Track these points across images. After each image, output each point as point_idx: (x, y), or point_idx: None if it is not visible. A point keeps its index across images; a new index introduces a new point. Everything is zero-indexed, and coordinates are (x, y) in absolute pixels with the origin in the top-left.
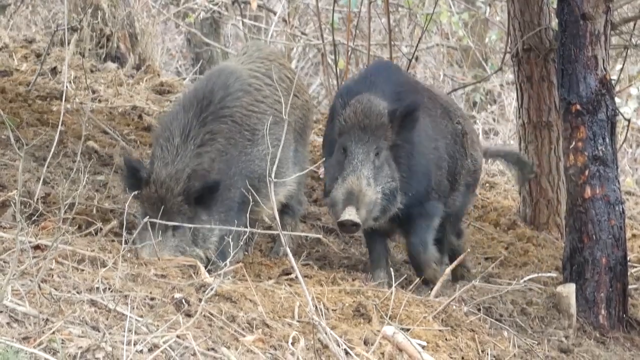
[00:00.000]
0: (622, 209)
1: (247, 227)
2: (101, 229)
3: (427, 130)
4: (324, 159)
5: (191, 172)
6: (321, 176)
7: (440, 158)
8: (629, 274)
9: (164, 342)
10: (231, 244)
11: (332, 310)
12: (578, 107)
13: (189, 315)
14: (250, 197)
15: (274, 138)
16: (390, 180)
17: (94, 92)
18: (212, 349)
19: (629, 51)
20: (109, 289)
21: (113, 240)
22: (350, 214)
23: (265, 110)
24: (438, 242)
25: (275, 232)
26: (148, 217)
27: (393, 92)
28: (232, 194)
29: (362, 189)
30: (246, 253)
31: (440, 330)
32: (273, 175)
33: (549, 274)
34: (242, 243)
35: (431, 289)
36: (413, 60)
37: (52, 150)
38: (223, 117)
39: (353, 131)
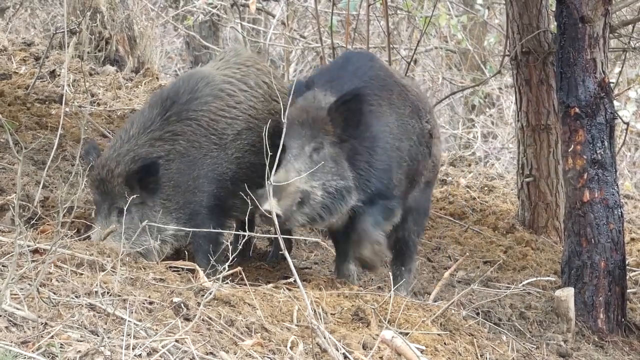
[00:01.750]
0: (621, 212)
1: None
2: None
3: (391, 127)
4: None
5: (134, 155)
6: None
7: (402, 158)
8: (627, 277)
9: (162, 347)
10: (203, 247)
11: (331, 314)
12: (577, 110)
13: (187, 319)
14: (225, 202)
15: (246, 143)
16: (336, 177)
17: (92, 95)
18: (211, 353)
19: (627, 54)
20: (108, 293)
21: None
22: (270, 205)
23: (238, 115)
24: (399, 240)
25: (273, 237)
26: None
27: (354, 88)
28: (197, 197)
29: (288, 179)
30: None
31: (438, 335)
32: (271, 179)
33: (547, 278)
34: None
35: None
36: (412, 63)
37: (52, 154)
38: (187, 119)
39: (292, 127)
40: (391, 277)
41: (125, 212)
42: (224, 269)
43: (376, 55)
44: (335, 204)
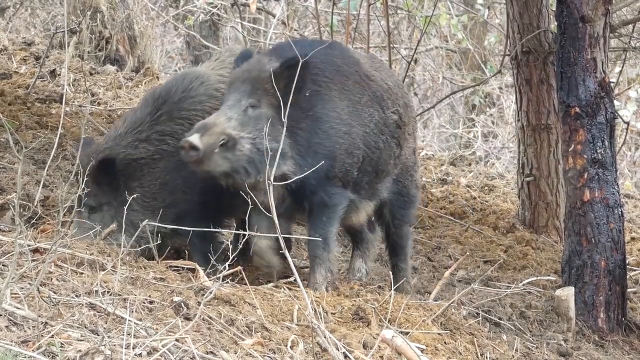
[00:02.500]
0: (621, 212)
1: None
2: (100, 232)
3: (339, 112)
4: None
5: (108, 153)
6: None
7: (353, 145)
8: (627, 277)
9: (162, 346)
10: (197, 246)
11: (331, 313)
12: (577, 109)
13: (188, 318)
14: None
15: None
16: (269, 138)
17: (93, 94)
18: (211, 352)
19: (628, 54)
20: (108, 292)
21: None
22: (191, 137)
23: None
24: (388, 236)
25: (274, 235)
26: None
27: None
28: (188, 196)
29: (215, 121)
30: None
31: (439, 334)
32: (272, 177)
33: (548, 277)
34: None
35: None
36: (412, 63)
37: (52, 153)
38: (179, 118)
39: (234, 85)
40: (391, 273)
41: (95, 209)
42: (224, 268)
43: (344, 46)
44: (263, 164)
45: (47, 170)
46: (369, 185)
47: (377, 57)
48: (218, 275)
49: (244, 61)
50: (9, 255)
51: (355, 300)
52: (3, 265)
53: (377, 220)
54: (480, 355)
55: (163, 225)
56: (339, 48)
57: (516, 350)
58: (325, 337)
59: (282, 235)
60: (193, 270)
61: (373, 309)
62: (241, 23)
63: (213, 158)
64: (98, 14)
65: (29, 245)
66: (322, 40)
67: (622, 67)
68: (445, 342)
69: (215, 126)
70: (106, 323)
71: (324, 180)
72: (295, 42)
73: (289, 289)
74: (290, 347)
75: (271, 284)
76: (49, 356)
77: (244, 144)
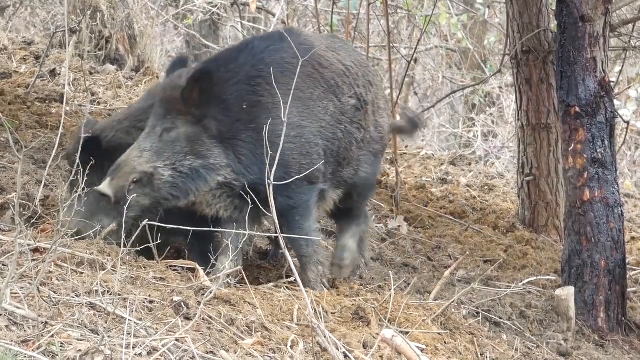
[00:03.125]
0: (621, 211)
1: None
2: (100, 231)
3: (288, 117)
4: None
5: (98, 133)
6: None
7: (308, 145)
8: (627, 276)
9: (163, 346)
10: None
11: (331, 313)
12: (577, 109)
13: (188, 318)
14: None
15: None
16: (191, 157)
17: (93, 94)
18: (211, 352)
19: (627, 53)
20: (108, 292)
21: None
22: (102, 185)
23: None
24: (349, 211)
25: (274, 235)
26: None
27: (245, 74)
28: None
29: (126, 160)
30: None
31: (439, 334)
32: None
33: (547, 277)
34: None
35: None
36: (412, 62)
37: (53, 153)
38: None
39: (155, 106)
40: (339, 230)
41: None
42: (224, 267)
43: (297, 33)
44: (190, 184)
45: (48, 170)
46: (333, 175)
47: (337, 37)
48: (218, 275)
49: (175, 70)
50: (9, 254)
51: (355, 300)
52: (3, 264)
53: (343, 200)
54: (480, 355)
55: (163, 225)
56: (290, 39)
57: (516, 350)
58: (325, 337)
59: (282, 235)
60: (193, 270)
61: (373, 309)
62: (241, 22)
63: (129, 198)
64: (98, 14)
65: (29, 245)
66: (274, 32)
67: (622, 66)
68: (445, 342)
69: (126, 166)
70: (106, 323)
71: (282, 186)
72: (244, 44)
73: (289, 288)
74: (290, 346)
75: (271, 284)
76: (49, 356)
77: (163, 173)
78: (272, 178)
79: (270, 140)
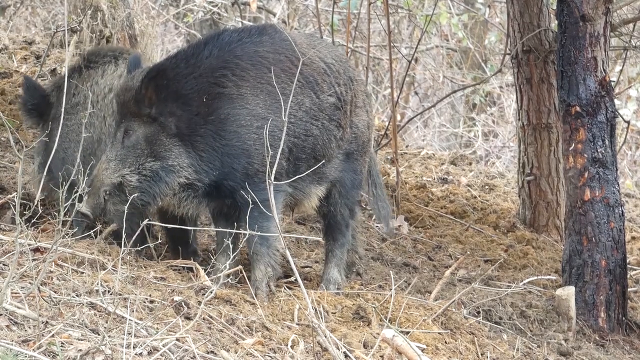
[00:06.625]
0: (622, 211)
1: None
2: (101, 231)
3: (251, 109)
4: None
5: None
6: None
7: (273, 138)
8: (628, 276)
9: (163, 345)
10: None
11: (332, 313)
12: (577, 109)
13: (188, 318)
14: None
15: None
16: (150, 159)
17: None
18: (212, 352)
19: (628, 53)
20: (109, 291)
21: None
22: (80, 206)
23: None
24: (332, 220)
25: (274, 235)
26: None
27: (207, 66)
28: None
29: (96, 175)
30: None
31: (439, 333)
32: (272, 178)
33: (548, 277)
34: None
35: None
36: (412, 62)
37: (52, 153)
38: None
39: (114, 115)
40: (325, 253)
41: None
42: (225, 267)
43: (277, 29)
44: (154, 186)
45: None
46: (314, 172)
47: (316, 36)
48: (219, 275)
49: (134, 68)
50: (9, 254)
51: (355, 300)
52: (4, 264)
53: (324, 200)
54: (481, 354)
55: (163, 225)
56: (269, 34)
57: (517, 349)
58: (325, 337)
59: (282, 235)
60: (193, 269)
61: (373, 309)
62: (241, 22)
63: (108, 210)
64: (99, 13)
65: (29, 245)
66: (253, 26)
67: (623, 66)
68: (445, 342)
69: (97, 181)
70: (107, 322)
71: (244, 178)
72: (212, 36)
73: (290, 288)
74: (290, 346)
75: (272, 284)
76: (49, 355)
77: (129, 179)
78: (272, 178)
79: (226, 130)
